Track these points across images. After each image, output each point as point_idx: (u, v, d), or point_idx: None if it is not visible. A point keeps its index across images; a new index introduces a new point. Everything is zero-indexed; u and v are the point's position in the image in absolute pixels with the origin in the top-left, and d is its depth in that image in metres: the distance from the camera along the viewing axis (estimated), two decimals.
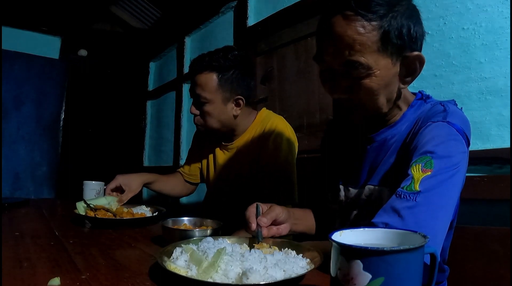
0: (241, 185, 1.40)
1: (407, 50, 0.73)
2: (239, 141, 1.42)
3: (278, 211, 0.81)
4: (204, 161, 1.57)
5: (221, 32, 2.76)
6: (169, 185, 1.58)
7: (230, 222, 1.07)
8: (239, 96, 1.35)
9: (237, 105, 1.36)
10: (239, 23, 2.51)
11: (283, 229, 0.83)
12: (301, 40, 2.11)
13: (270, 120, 1.38)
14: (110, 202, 1.34)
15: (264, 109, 1.47)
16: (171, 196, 1.61)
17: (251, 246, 0.75)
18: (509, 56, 1.20)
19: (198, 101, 1.33)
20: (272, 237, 0.80)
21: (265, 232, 0.77)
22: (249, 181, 1.38)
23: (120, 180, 1.39)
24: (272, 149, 1.31)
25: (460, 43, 1.33)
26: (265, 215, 0.79)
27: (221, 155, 1.48)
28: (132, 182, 1.40)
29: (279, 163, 1.30)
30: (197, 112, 1.35)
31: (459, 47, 1.33)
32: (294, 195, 1.32)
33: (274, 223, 0.82)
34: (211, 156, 1.53)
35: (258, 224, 0.77)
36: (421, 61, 0.75)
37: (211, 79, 1.30)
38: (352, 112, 0.80)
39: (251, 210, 0.81)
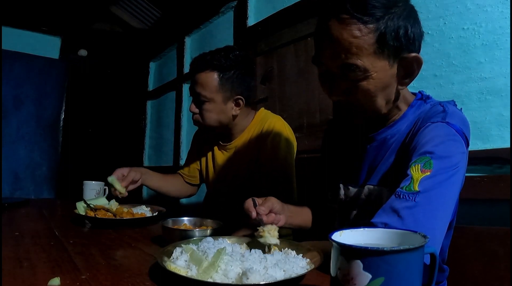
0: (240, 185, 1.40)
1: (404, 52, 0.73)
2: (238, 141, 1.42)
3: (273, 201, 0.86)
4: (203, 162, 1.57)
5: (221, 32, 2.76)
6: (168, 183, 1.57)
7: (230, 222, 1.07)
8: (239, 96, 1.34)
9: (237, 105, 1.36)
10: (239, 23, 2.51)
11: (281, 219, 0.86)
12: (301, 40, 2.11)
13: (268, 120, 1.38)
14: (110, 203, 1.34)
15: (262, 109, 1.47)
16: (171, 196, 1.61)
17: (257, 237, 0.75)
18: (509, 56, 1.20)
19: (198, 100, 1.33)
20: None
21: (264, 218, 0.81)
22: (247, 181, 1.37)
23: (120, 170, 1.37)
24: (270, 149, 1.31)
25: (460, 43, 1.33)
26: (262, 204, 0.83)
27: (220, 156, 1.48)
28: (133, 170, 1.39)
29: (277, 162, 1.30)
30: (197, 110, 1.35)
31: (459, 47, 1.33)
32: (293, 195, 1.32)
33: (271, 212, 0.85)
34: (210, 157, 1.53)
35: (258, 213, 0.81)
36: (418, 62, 0.75)
37: (212, 78, 1.30)
38: (351, 113, 0.80)
39: (249, 203, 0.84)
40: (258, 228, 0.77)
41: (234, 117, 1.37)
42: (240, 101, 1.35)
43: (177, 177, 1.63)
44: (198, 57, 1.36)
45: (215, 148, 1.50)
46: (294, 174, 1.35)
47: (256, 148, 1.35)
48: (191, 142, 1.70)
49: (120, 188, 1.29)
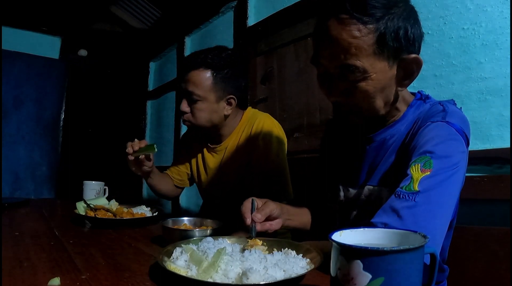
0: (233, 188, 1.39)
1: (404, 53, 0.73)
2: (227, 143, 1.40)
3: (272, 207, 0.84)
4: (194, 166, 1.54)
5: (221, 32, 2.77)
6: (163, 182, 1.54)
7: (226, 224, 1.06)
8: (232, 96, 1.33)
9: (229, 104, 1.34)
10: (239, 23, 2.51)
11: (276, 224, 0.85)
12: (301, 40, 2.11)
13: (256, 119, 1.37)
14: (110, 203, 1.34)
15: (249, 108, 1.45)
16: (160, 194, 1.56)
17: (245, 243, 0.76)
18: (509, 56, 1.20)
19: (190, 99, 1.31)
20: (266, 232, 0.82)
21: (258, 227, 0.79)
22: (239, 183, 1.36)
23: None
24: (263, 148, 1.30)
25: (460, 43, 1.33)
26: (259, 211, 0.81)
27: (211, 159, 1.46)
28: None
29: (270, 161, 1.29)
30: (188, 109, 1.33)
31: (459, 47, 1.33)
32: (289, 191, 1.31)
33: (268, 218, 0.83)
34: (200, 160, 1.50)
35: (252, 220, 0.79)
36: (418, 63, 0.74)
37: (205, 76, 1.29)
38: (350, 114, 0.80)
39: (247, 205, 0.82)
40: (248, 240, 0.76)
41: (226, 117, 1.36)
42: (232, 101, 1.34)
43: (169, 178, 1.60)
44: (191, 56, 1.35)
45: (205, 151, 1.48)
46: (288, 168, 1.34)
47: (248, 149, 1.34)
48: (179, 145, 1.66)
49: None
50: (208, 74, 1.29)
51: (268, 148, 1.30)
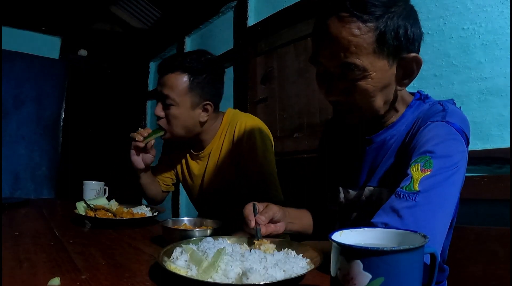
0: (221, 193, 1.37)
1: (404, 52, 0.73)
2: (210, 148, 1.37)
3: (275, 210, 0.83)
4: (180, 173, 1.51)
5: (221, 32, 2.77)
6: (154, 184, 1.51)
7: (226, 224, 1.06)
8: (208, 102, 1.30)
9: (205, 110, 1.31)
10: (239, 23, 2.51)
11: (280, 227, 0.84)
12: (301, 40, 2.11)
13: (238, 121, 1.33)
14: (110, 203, 1.34)
15: (229, 109, 1.42)
16: (148, 197, 1.53)
17: (250, 244, 0.75)
18: (509, 56, 1.21)
19: (165, 103, 1.27)
20: (269, 235, 0.81)
21: (263, 229, 0.79)
22: (228, 187, 1.35)
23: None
24: (248, 151, 1.28)
25: (460, 43, 1.33)
26: (262, 214, 0.81)
27: (195, 166, 1.43)
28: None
29: (258, 162, 1.27)
30: (162, 113, 1.29)
31: (459, 47, 1.33)
32: (279, 191, 1.29)
33: (271, 221, 0.83)
34: (185, 168, 1.47)
35: (256, 222, 0.78)
36: (418, 62, 0.74)
37: (181, 80, 1.25)
38: (349, 114, 0.79)
39: (249, 208, 0.82)
40: (254, 241, 0.75)
41: (202, 123, 1.32)
42: (209, 107, 1.30)
43: (157, 182, 1.57)
44: (168, 59, 1.32)
45: (188, 158, 1.44)
46: (275, 169, 1.31)
47: (232, 153, 1.31)
48: (162, 151, 1.62)
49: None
50: (184, 78, 1.26)
51: (253, 150, 1.27)
